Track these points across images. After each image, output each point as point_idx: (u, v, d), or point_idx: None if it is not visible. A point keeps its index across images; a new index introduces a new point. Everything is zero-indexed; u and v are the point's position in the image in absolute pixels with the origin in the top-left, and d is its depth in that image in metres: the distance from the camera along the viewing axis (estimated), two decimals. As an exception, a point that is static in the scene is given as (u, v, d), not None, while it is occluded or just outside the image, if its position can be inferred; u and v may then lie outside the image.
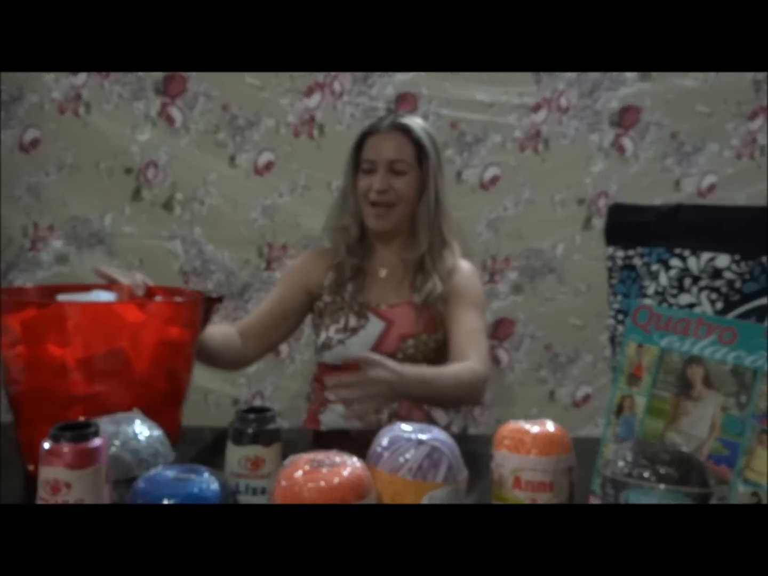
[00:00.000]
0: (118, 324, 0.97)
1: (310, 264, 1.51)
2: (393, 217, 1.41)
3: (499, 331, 2.01)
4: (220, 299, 1.13)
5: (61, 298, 1.08)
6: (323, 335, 1.44)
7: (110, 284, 1.13)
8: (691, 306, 0.85)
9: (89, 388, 0.95)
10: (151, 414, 0.87)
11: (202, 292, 1.17)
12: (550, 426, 0.80)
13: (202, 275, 1.98)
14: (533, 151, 2.00)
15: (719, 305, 0.83)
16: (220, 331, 1.33)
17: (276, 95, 1.95)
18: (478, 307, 1.43)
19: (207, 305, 1.10)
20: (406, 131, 1.41)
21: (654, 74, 1.97)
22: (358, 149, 1.44)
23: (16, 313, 0.97)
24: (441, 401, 1.32)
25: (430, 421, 1.38)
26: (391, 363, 1.10)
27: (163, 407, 0.99)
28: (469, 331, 1.36)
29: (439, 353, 1.41)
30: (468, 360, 1.28)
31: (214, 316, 1.15)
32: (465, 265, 1.49)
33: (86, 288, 1.11)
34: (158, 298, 1.14)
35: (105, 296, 1.08)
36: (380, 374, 1.08)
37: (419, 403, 1.29)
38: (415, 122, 1.45)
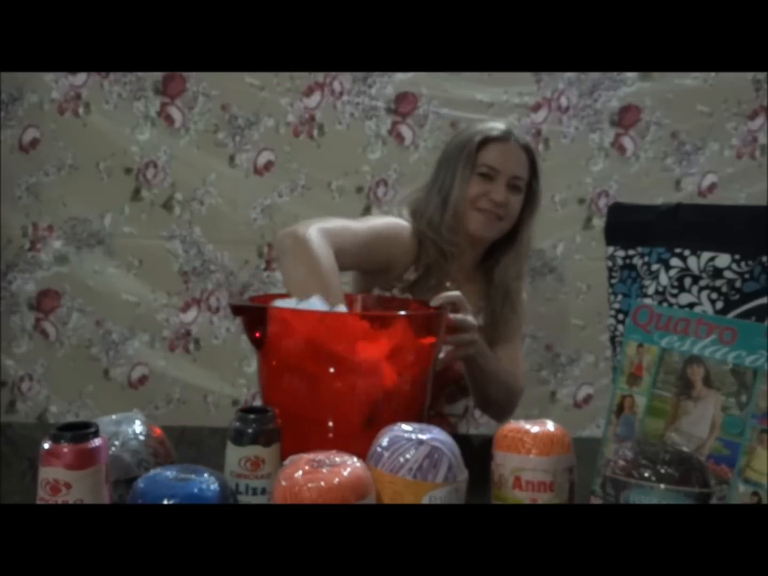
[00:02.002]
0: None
1: (402, 246, 1.33)
2: (498, 230, 1.35)
3: (500, 331, 2.00)
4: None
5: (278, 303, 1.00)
6: None
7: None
8: (691, 306, 0.85)
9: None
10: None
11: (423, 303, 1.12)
12: (550, 426, 0.80)
13: (201, 275, 1.98)
14: (533, 151, 2.00)
15: (719, 305, 0.83)
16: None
17: (276, 95, 1.95)
18: (520, 328, 1.48)
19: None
20: (529, 151, 1.34)
21: (654, 74, 1.97)
22: (476, 151, 1.32)
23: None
24: (490, 384, 1.30)
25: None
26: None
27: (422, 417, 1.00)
28: (510, 349, 1.41)
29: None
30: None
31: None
32: (525, 296, 1.48)
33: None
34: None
35: (320, 304, 1.00)
36: (475, 325, 1.13)
37: (476, 373, 1.26)
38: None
